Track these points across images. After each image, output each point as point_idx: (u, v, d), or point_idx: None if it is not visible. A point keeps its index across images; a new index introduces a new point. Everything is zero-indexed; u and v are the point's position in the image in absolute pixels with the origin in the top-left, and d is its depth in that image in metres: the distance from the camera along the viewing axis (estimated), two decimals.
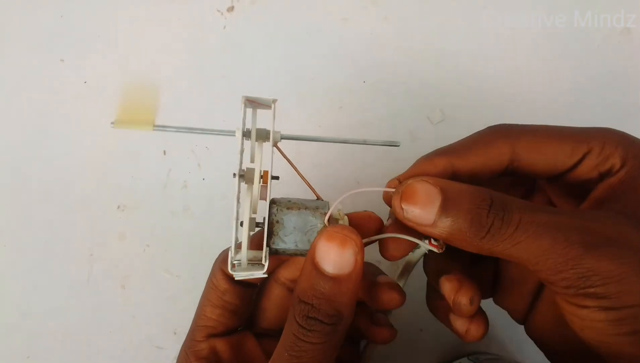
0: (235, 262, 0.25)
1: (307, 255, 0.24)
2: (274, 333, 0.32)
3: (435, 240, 0.26)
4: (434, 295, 0.31)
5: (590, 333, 0.22)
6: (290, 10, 0.47)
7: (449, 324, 0.29)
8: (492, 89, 0.47)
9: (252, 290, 0.31)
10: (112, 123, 0.19)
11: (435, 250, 0.26)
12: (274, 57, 0.47)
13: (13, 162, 0.45)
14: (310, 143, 0.46)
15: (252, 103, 0.25)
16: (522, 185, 0.31)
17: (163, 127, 0.22)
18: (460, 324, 0.28)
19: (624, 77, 0.47)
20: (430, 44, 0.47)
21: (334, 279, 0.23)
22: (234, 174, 0.25)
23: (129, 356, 0.45)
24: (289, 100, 0.46)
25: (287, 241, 0.25)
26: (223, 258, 0.30)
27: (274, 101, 0.24)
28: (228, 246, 0.29)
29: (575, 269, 0.21)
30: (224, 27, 0.47)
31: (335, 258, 0.23)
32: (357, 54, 0.47)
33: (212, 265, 0.31)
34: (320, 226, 0.25)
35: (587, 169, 0.26)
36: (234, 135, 0.24)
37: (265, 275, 0.25)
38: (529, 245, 0.22)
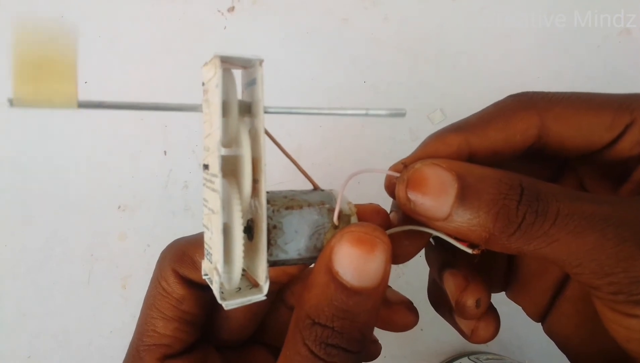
0: (213, 280, 0.19)
1: (320, 262, 0.19)
2: (238, 345, 0.28)
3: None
4: (436, 289, 0.27)
5: (638, 347, 0.19)
6: (291, 10, 0.47)
7: (453, 323, 0.26)
8: (492, 89, 0.47)
9: (211, 293, 0.24)
10: (8, 101, 0.14)
11: (467, 250, 0.20)
12: (274, 57, 0.47)
13: (14, 162, 0.45)
14: (312, 141, 0.46)
15: (228, 65, 0.18)
16: (548, 166, 0.26)
17: (94, 104, 0.16)
18: (466, 323, 0.25)
19: (624, 77, 0.47)
20: (430, 44, 0.47)
21: (359, 293, 0.18)
22: (205, 166, 0.18)
23: None
24: (289, 100, 0.46)
25: (289, 249, 0.20)
26: (175, 255, 0.25)
27: (261, 61, 0.18)
28: (178, 237, 0.26)
29: (628, 272, 0.17)
30: (225, 28, 0.47)
31: (361, 266, 0.18)
32: (357, 54, 0.47)
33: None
34: (328, 226, 0.20)
35: (628, 144, 0.21)
36: (200, 110, 0.18)
37: (265, 298, 0.19)
38: (569, 243, 0.18)
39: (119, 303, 0.45)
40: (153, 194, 0.45)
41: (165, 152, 0.46)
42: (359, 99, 0.46)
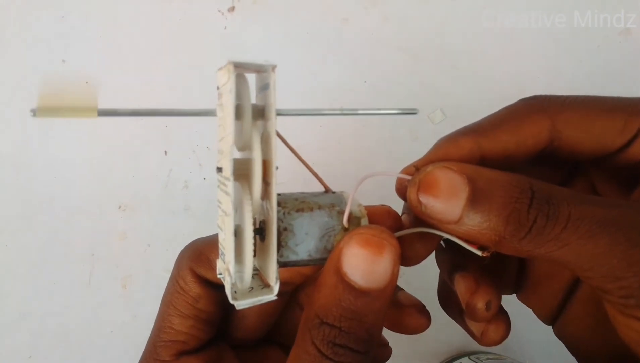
0: (225, 280, 0.19)
1: (329, 264, 0.20)
2: (252, 345, 0.28)
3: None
4: (446, 290, 0.27)
5: None
6: (291, 10, 0.47)
7: (463, 324, 0.26)
8: (492, 89, 0.47)
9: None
10: (31, 111, 0.16)
11: (477, 252, 0.20)
12: (274, 57, 0.47)
13: (14, 162, 0.45)
14: (312, 141, 0.46)
15: (242, 70, 0.19)
16: (559, 169, 0.26)
17: (110, 112, 0.17)
18: (476, 326, 0.25)
19: (624, 77, 0.47)
20: (430, 44, 0.47)
21: (366, 294, 0.19)
22: (219, 169, 0.19)
23: (129, 356, 0.45)
24: (289, 100, 0.46)
25: (299, 251, 0.20)
26: (193, 254, 0.26)
27: (274, 67, 0.19)
28: (196, 238, 0.27)
29: (638, 276, 0.17)
30: (225, 28, 0.47)
31: (369, 267, 0.19)
32: (357, 54, 0.47)
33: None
34: (338, 228, 0.21)
35: None
36: (214, 114, 0.18)
37: (276, 299, 0.19)
38: (580, 247, 0.18)
39: (119, 303, 0.45)
40: (153, 194, 0.45)
41: (165, 152, 0.46)
42: (359, 99, 0.46)
